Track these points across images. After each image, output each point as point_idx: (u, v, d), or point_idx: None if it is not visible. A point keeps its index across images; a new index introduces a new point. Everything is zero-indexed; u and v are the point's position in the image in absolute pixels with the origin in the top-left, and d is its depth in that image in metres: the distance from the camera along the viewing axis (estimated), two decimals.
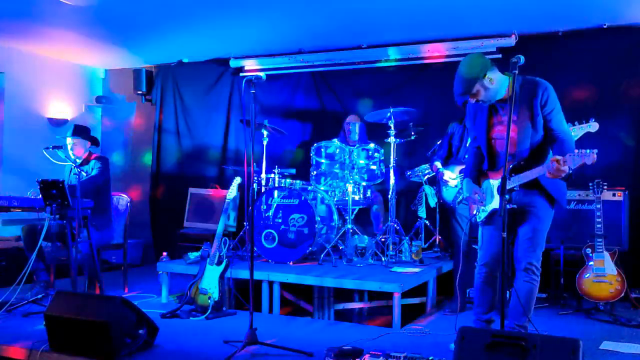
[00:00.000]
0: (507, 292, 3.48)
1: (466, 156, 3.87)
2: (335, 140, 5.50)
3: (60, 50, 6.81)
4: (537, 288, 3.34)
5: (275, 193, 5.18)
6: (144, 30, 5.93)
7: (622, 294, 4.35)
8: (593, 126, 4.22)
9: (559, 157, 2.97)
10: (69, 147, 4.96)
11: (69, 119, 7.12)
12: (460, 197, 4.51)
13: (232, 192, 4.66)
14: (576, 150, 2.99)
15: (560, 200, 3.31)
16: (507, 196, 2.95)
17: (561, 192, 3.31)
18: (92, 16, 5.41)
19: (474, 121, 3.45)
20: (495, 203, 3.32)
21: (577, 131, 4.18)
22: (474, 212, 3.47)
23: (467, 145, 3.72)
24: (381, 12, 5.16)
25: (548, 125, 3.21)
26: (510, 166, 3.19)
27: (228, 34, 5.99)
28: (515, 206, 3.10)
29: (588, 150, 2.97)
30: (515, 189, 3.15)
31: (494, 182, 3.35)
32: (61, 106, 7.15)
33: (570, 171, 3.03)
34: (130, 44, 6.53)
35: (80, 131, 5.14)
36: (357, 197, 5.29)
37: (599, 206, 4.49)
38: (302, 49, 6.48)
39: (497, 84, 3.21)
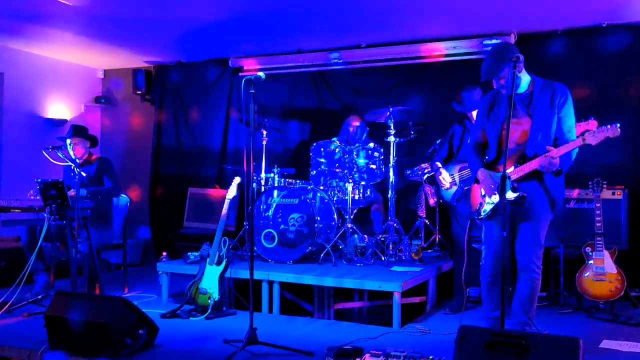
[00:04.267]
0: (509, 290, 3.50)
1: (465, 156, 3.89)
2: (335, 139, 5.50)
3: (59, 51, 6.80)
4: (539, 286, 3.39)
5: (275, 193, 5.17)
6: (143, 30, 5.92)
7: (622, 293, 4.35)
8: (591, 124, 4.23)
9: (550, 153, 3.12)
10: (69, 147, 4.96)
11: (68, 119, 7.12)
12: (460, 196, 4.51)
13: (231, 191, 4.66)
14: (594, 129, 3.12)
15: (559, 202, 3.39)
16: (510, 196, 3.03)
17: (560, 194, 3.40)
18: (91, 16, 5.40)
19: (489, 113, 3.48)
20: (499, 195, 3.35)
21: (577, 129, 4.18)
22: (478, 207, 3.48)
23: (469, 142, 3.74)
24: (380, 12, 5.16)
25: (559, 127, 3.32)
26: (518, 158, 3.31)
27: (227, 33, 5.99)
28: (525, 194, 3.24)
29: (609, 125, 3.04)
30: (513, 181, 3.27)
31: (499, 174, 3.37)
32: (60, 106, 7.15)
33: (560, 167, 3.17)
34: (129, 44, 6.52)
35: (79, 131, 5.15)
36: (356, 197, 5.29)
37: (598, 205, 4.50)
38: (301, 49, 6.47)
39: (523, 75, 3.36)
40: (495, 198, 3.37)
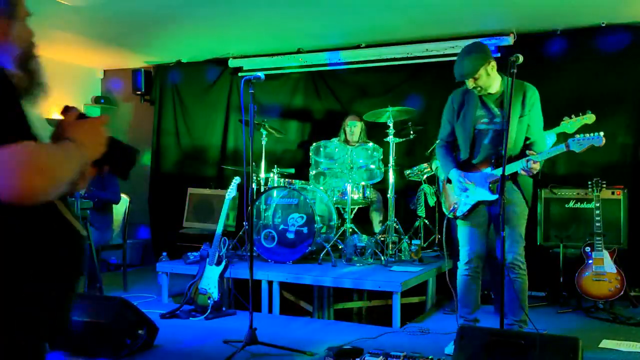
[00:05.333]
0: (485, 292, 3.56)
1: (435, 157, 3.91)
2: (335, 139, 5.50)
3: (58, 51, 6.80)
4: (527, 281, 3.42)
5: (275, 193, 5.18)
6: (142, 30, 5.92)
7: (622, 292, 4.36)
8: (590, 117, 4.20)
9: (531, 158, 3.18)
10: None
11: None
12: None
13: (231, 191, 4.66)
14: (577, 135, 3.17)
15: (529, 200, 3.47)
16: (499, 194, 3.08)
17: (531, 190, 3.50)
18: (90, 16, 5.40)
19: (459, 112, 3.49)
20: (479, 195, 3.37)
21: (574, 124, 4.19)
22: (454, 206, 3.48)
23: (437, 142, 3.74)
24: (379, 12, 5.16)
25: (529, 127, 3.39)
26: (493, 158, 3.37)
27: (227, 33, 5.99)
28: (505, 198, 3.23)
29: (594, 134, 3.13)
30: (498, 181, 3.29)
31: (475, 174, 3.40)
32: (59, 107, 7.13)
33: (539, 170, 3.25)
34: (128, 44, 6.52)
35: None
36: (356, 197, 5.29)
37: (598, 205, 4.50)
38: (300, 49, 6.47)
39: (495, 75, 3.37)
40: (471, 199, 3.40)
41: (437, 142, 3.69)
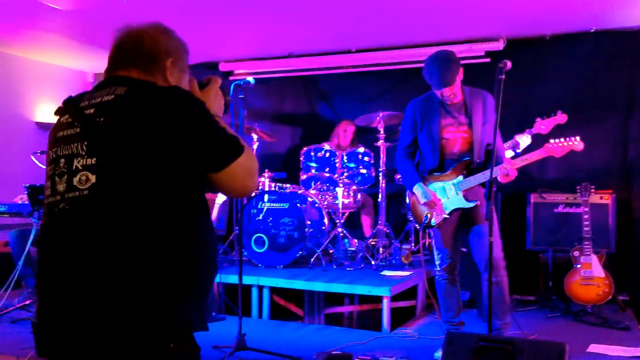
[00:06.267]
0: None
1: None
2: (326, 144, 5.51)
3: (48, 54, 6.78)
4: (507, 282, 3.42)
5: (266, 197, 5.17)
6: None
7: (610, 297, 4.38)
8: (562, 118, 4.21)
9: (507, 165, 3.20)
10: None
11: None
12: None
13: (221, 196, 4.66)
14: (560, 139, 3.24)
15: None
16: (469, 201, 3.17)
17: (499, 193, 3.61)
18: (81, 20, 5.39)
19: (422, 121, 3.48)
20: (454, 202, 3.38)
21: (545, 124, 4.24)
22: (426, 216, 3.48)
23: (398, 152, 3.71)
24: (370, 17, 5.18)
25: (490, 133, 3.41)
26: (465, 166, 3.39)
27: (217, 37, 5.99)
28: (477, 202, 3.33)
29: (572, 138, 3.24)
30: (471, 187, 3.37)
31: (446, 183, 3.40)
32: (50, 110, 7.11)
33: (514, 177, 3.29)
34: None
35: None
36: (347, 201, 5.30)
37: (586, 209, 4.52)
38: (292, 53, 6.48)
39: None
40: (450, 208, 3.41)
41: (397, 152, 3.64)
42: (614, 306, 4.64)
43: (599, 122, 5.24)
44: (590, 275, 4.41)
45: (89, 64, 7.34)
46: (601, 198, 4.88)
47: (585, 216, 4.50)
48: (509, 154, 4.35)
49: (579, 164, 5.22)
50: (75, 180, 1.42)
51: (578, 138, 3.20)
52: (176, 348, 1.38)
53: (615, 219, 4.87)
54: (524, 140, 4.50)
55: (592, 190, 4.61)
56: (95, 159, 1.41)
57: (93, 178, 1.40)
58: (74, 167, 1.43)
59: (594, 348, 3.63)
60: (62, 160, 1.46)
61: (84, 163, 1.42)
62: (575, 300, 4.47)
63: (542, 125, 4.25)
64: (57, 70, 7.30)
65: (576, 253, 4.50)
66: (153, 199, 1.38)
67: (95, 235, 1.37)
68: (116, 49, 1.71)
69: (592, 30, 5.33)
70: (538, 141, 4.15)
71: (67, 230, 1.43)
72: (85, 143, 1.43)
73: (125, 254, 1.35)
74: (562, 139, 3.23)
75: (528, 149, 4.05)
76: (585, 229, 4.48)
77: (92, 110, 1.48)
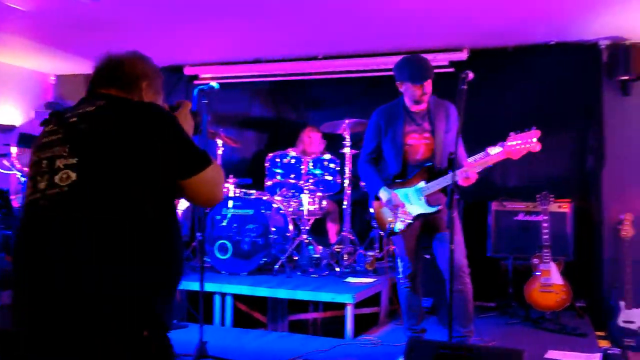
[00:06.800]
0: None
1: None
2: (291, 150, 5.50)
3: (8, 54, 6.60)
4: (472, 291, 3.45)
5: (230, 203, 5.13)
6: (95, 35, 5.80)
7: (568, 303, 4.48)
8: (534, 134, 4.26)
9: (467, 169, 3.26)
10: (14, 156, 4.81)
11: (17, 125, 6.89)
12: None
13: (184, 201, 4.60)
14: (518, 141, 3.31)
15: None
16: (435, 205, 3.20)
17: (462, 200, 3.64)
18: (43, 21, 5.26)
19: (386, 128, 3.53)
20: (418, 208, 3.42)
21: (520, 139, 4.30)
22: (389, 224, 3.51)
23: (361, 158, 3.75)
24: (335, 25, 5.20)
25: (452, 141, 3.43)
26: (427, 172, 3.44)
27: (183, 41, 5.92)
28: (440, 207, 3.37)
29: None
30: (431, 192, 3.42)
31: (408, 189, 3.44)
32: (9, 112, 6.92)
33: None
34: (81, 50, 6.37)
35: (27, 141, 4.99)
36: (312, 208, 5.29)
37: (545, 217, 4.62)
38: (259, 58, 6.46)
39: None
40: (414, 213, 3.44)
41: (360, 158, 3.67)
42: (572, 313, 4.74)
43: (559, 132, 5.35)
44: (549, 283, 4.50)
45: (50, 65, 7.18)
46: (560, 207, 4.99)
47: (545, 224, 4.60)
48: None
49: (539, 173, 5.33)
50: (57, 178, 1.54)
51: (535, 139, 3.26)
52: (150, 334, 1.51)
53: (573, 227, 4.98)
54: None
55: (552, 199, 4.71)
56: (76, 159, 1.54)
57: (74, 176, 1.52)
58: (56, 166, 1.56)
59: (552, 354, 3.70)
60: (45, 161, 1.59)
61: (66, 162, 1.55)
62: (535, 307, 4.55)
63: (516, 140, 4.29)
64: (17, 72, 7.11)
65: (536, 260, 4.59)
66: (130, 195, 1.51)
67: (74, 229, 1.48)
68: (98, 72, 1.90)
69: (553, 43, 5.47)
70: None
71: (45, 225, 1.52)
72: (68, 145, 1.57)
73: (103, 247, 1.47)
74: (519, 141, 3.28)
75: None
76: (545, 237, 4.58)
77: (75, 119, 1.63)
